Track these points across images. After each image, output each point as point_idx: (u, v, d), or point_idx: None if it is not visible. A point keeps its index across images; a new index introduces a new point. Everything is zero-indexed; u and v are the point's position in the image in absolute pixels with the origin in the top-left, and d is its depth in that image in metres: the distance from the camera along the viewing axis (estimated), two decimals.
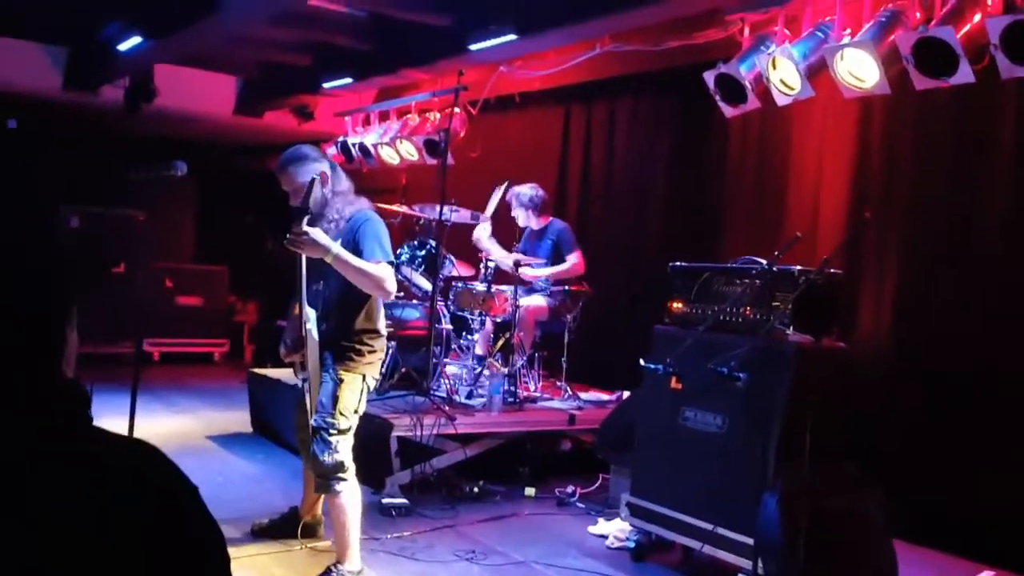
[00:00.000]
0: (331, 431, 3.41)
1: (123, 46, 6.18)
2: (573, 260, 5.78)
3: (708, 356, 3.52)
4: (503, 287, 5.61)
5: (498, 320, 5.74)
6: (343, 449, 3.45)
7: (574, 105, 6.90)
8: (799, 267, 3.50)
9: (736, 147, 5.57)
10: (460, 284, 5.77)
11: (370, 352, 3.53)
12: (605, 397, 5.78)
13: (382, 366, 5.21)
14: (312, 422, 3.45)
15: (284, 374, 5.48)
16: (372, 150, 7.43)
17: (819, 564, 3.08)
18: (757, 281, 3.56)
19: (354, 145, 7.63)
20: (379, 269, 3.35)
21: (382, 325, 3.61)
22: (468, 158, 6.80)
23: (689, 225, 5.86)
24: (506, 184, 5.93)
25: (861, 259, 4.50)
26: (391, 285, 3.39)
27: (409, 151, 7.12)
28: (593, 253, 6.00)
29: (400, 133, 7.10)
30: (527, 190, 5.88)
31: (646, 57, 5.28)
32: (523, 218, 5.93)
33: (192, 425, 6.46)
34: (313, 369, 3.39)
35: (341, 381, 3.44)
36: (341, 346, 3.48)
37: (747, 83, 4.22)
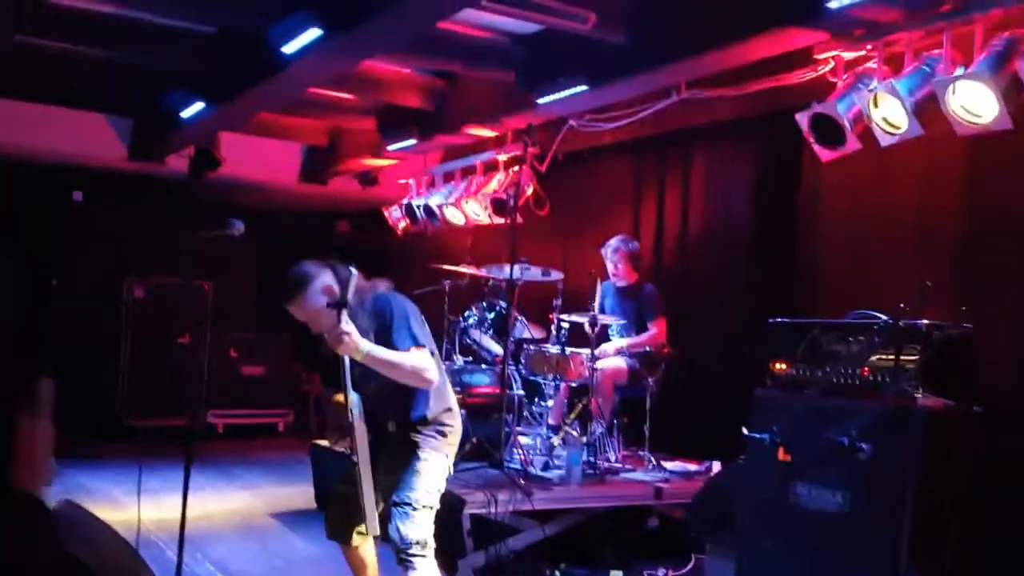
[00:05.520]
0: (415, 505, 3.17)
1: (186, 112, 6.18)
2: (653, 330, 5.47)
3: (821, 424, 3.14)
4: (579, 349, 5.27)
5: (574, 385, 5.39)
6: (426, 524, 3.19)
7: (648, 157, 6.60)
8: (928, 321, 3.10)
9: (827, 194, 5.18)
10: (532, 347, 5.44)
11: (451, 432, 3.33)
12: (693, 468, 5.32)
13: None
14: (394, 497, 3.21)
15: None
16: (437, 211, 7.26)
17: None
18: (877, 338, 3.16)
19: (419, 207, 7.48)
20: (412, 358, 3.08)
21: (452, 398, 3.36)
22: (536, 217, 6.55)
23: (778, 279, 5.45)
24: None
25: (984, 311, 4.05)
26: (431, 374, 3.11)
27: (475, 211, 6.91)
28: (673, 311, 5.61)
29: (466, 193, 6.91)
30: (618, 241, 5.61)
31: (725, 103, 4.98)
32: (623, 273, 5.60)
33: (254, 502, 6.22)
34: (363, 458, 3.12)
35: (426, 460, 3.23)
36: (422, 434, 3.26)
37: (846, 123, 3.90)
